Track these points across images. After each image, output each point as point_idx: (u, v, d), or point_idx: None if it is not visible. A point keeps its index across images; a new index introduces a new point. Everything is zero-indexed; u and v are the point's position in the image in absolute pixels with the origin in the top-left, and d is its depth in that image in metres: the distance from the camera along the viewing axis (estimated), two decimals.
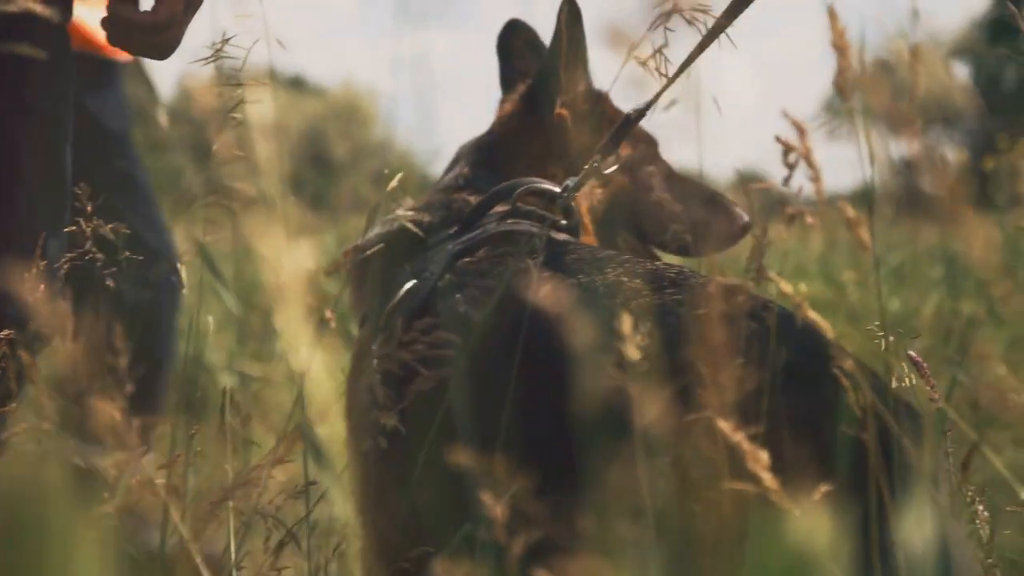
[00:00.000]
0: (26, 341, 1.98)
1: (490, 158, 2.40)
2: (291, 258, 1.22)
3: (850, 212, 1.61)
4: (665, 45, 2.29)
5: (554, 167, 2.35)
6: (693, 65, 2.27)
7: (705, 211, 2.42)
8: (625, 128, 2.31)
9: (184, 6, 2.07)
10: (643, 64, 2.34)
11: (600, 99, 2.48)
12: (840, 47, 1.54)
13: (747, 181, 2.38)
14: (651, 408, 1.43)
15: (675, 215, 2.41)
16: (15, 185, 2.03)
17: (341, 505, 2.10)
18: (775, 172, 2.03)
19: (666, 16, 2.40)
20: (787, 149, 1.83)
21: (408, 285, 2.07)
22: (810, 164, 1.67)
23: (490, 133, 2.48)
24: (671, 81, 2.16)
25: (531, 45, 2.60)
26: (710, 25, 2.35)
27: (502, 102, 2.54)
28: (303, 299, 1.26)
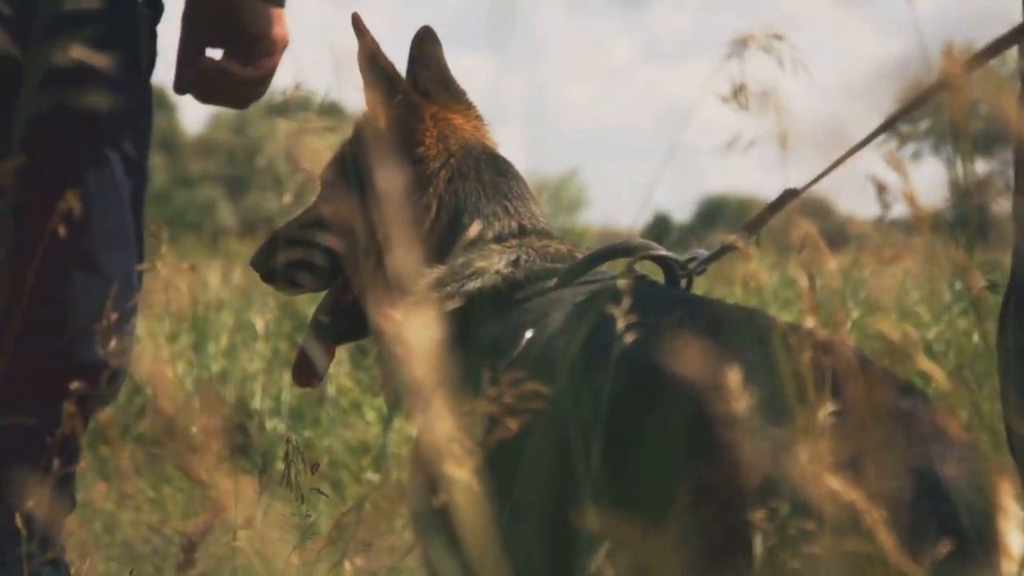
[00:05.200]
0: (97, 396, 1.94)
1: None
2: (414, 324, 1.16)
3: (961, 258, 1.55)
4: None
5: None
6: (773, 97, 2.20)
7: None
8: (783, 202, 2.24)
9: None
10: (725, 100, 2.28)
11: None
12: (956, 84, 1.47)
13: (815, 209, 2.33)
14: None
15: None
16: (84, 236, 1.99)
17: None
18: (841, 197, 1.96)
19: (741, 45, 2.34)
20: (880, 188, 1.76)
21: (528, 334, 2.01)
22: (914, 204, 1.60)
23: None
24: (847, 156, 2.10)
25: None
26: (785, 53, 2.28)
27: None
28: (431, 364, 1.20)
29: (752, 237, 2.23)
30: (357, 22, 2.35)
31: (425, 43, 2.55)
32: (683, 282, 2.20)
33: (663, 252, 2.19)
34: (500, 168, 2.39)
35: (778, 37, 1.95)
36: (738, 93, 1.90)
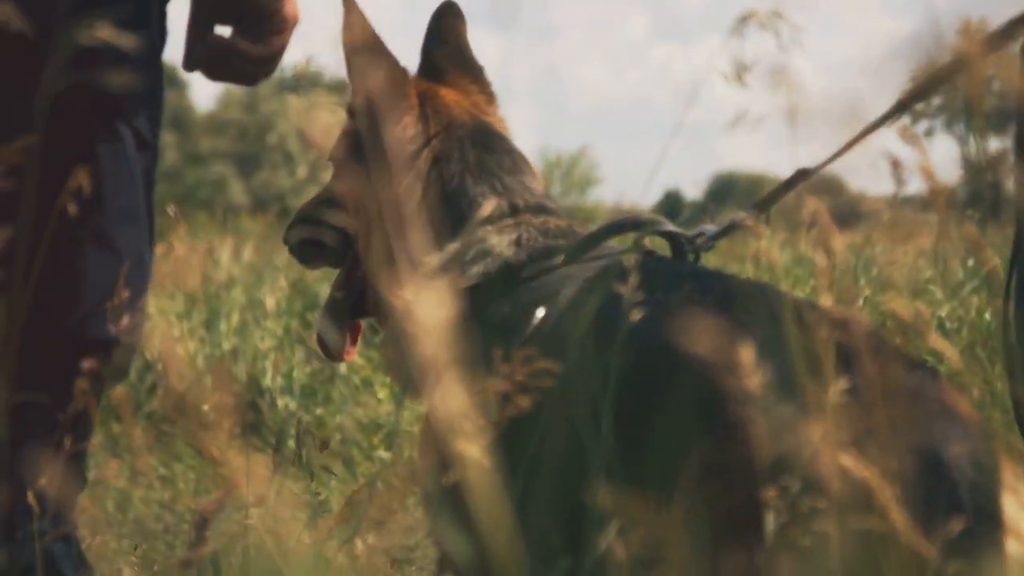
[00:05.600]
0: (109, 372, 1.94)
1: None
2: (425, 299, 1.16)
3: (974, 235, 1.54)
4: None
5: None
6: (783, 75, 2.19)
7: None
8: (795, 181, 2.22)
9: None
10: (727, 79, 2.26)
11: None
12: (973, 63, 1.45)
13: (827, 187, 2.32)
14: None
15: None
16: (96, 212, 1.99)
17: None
18: (853, 174, 1.96)
19: (742, 22, 2.32)
20: (895, 165, 1.76)
21: (539, 312, 2.00)
22: (931, 179, 1.59)
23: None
24: (862, 136, 2.08)
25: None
26: (784, 31, 2.27)
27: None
28: (443, 342, 1.19)
29: (762, 216, 2.21)
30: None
31: (444, 18, 2.51)
32: (691, 257, 2.19)
33: (670, 227, 2.17)
34: (489, 145, 2.35)
35: (779, 15, 1.94)
36: (741, 71, 1.90)
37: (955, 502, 1.54)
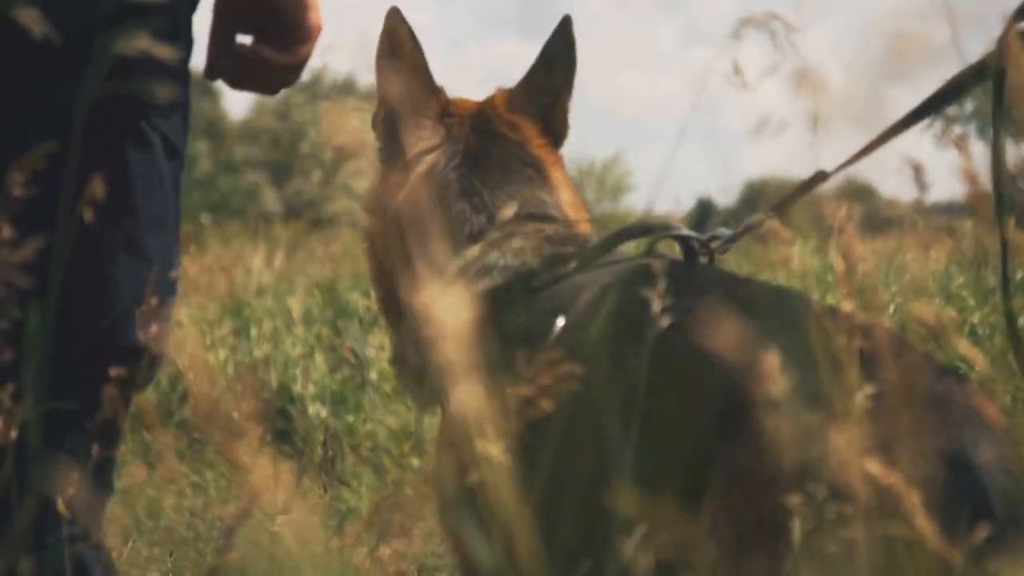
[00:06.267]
0: (135, 379, 1.95)
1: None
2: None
3: (1018, 240, 1.54)
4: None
5: None
6: (804, 79, 2.18)
7: None
8: (813, 183, 2.20)
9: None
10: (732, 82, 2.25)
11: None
12: (1017, 63, 1.45)
13: (857, 193, 2.31)
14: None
15: None
16: (127, 219, 2.00)
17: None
18: (882, 180, 1.95)
19: (742, 25, 2.30)
20: (917, 170, 1.75)
21: (560, 321, 1.98)
22: (974, 182, 1.58)
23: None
24: (884, 138, 2.07)
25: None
26: (785, 34, 2.26)
27: None
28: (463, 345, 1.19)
29: (776, 217, 2.19)
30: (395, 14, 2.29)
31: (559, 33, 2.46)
32: (704, 261, 2.17)
33: (683, 231, 2.16)
34: (485, 160, 2.32)
35: (774, 17, 1.93)
36: (741, 75, 1.89)
37: (985, 508, 1.54)
